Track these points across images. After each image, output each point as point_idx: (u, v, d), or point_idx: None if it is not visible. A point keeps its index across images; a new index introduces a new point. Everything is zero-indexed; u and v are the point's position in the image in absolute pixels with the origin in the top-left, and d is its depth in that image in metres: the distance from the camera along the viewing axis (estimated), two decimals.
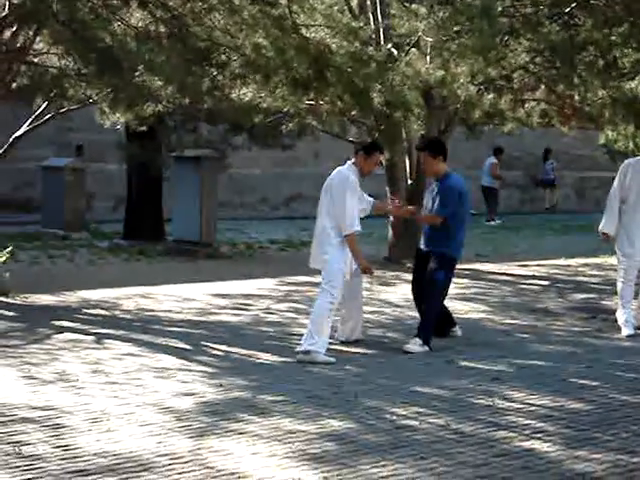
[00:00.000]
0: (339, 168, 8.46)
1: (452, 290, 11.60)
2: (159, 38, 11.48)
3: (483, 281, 13.02)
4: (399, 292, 11.48)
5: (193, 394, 6.84)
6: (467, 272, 13.56)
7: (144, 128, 14.79)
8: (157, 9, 11.51)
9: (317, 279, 9.07)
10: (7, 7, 10.66)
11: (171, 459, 5.42)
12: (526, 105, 16.19)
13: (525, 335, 9.30)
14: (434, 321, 8.62)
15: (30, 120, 13.37)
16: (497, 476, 5.26)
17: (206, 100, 13.26)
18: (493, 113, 15.17)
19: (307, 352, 7.92)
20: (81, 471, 5.21)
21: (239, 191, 23.47)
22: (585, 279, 13.42)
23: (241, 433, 5.92)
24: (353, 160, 8.47)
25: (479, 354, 8.35)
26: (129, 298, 11.00)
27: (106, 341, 8.64)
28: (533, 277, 13.47)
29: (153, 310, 10.30)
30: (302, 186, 23.08)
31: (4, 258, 11.43)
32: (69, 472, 5.19)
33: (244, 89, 12.81)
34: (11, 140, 12.98)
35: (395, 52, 12.86)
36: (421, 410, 6.51)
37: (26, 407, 6.41)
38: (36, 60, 12.37)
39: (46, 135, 19.43)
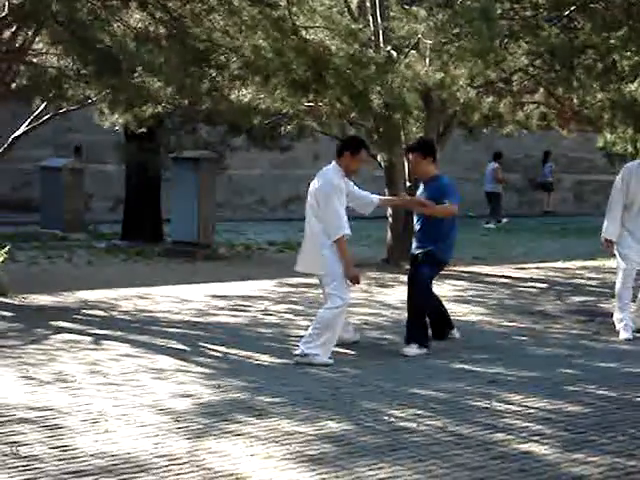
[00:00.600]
0: (323, 170, 8.25)
1: (450, 292, 11.65)
2: (158, 39, 11.48)
3: (481, 283, 13.02)
4: (397, 294, 11.47)
5: (191, 395, 6.84)
6: (465, 274, 13.57)
7: (143, 129, 14.81)
8: (156, 10, 11.52)
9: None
10: (6, 7, 10.66)
11: (168, 460, 5.42)
12: (525, 108, 16.20)
13: (523, 338, 9.30)
14: (423, 320, 8.53)
15: (29, 120, 13.38)
16: (494, 479, 5.26)
17: (205, 101, 13.28)
18: (492, 116, 15.19)
19: (305, 354, 7.91)
20: (78, 472, 5.20)
21: (238, 192, 23.49)
22: (583, 282, 13.42)
23: (239, 434, 5.92)
24: (336, 160, 8.20)
25: (477, 356, 8.35)
26: (127, 299, 11.00)
27: (104, 342, 8.64)
28: (531, 280, 13.46)
29: (151, 311, 10.30)
30: (301, 188, 23.03)
31: (2, 258, 11.42)
32: (66, 473, 5.19)
33: (243, 90, 12.82)
34: (10, 140, 12.99)
35: (394, 54, 12.87)
36: (419, 412, 6.51)
37: (24, 407, 6.41)
38: (35, 60, 12.36)
39: (45, 135, 19.46)
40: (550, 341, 9.16)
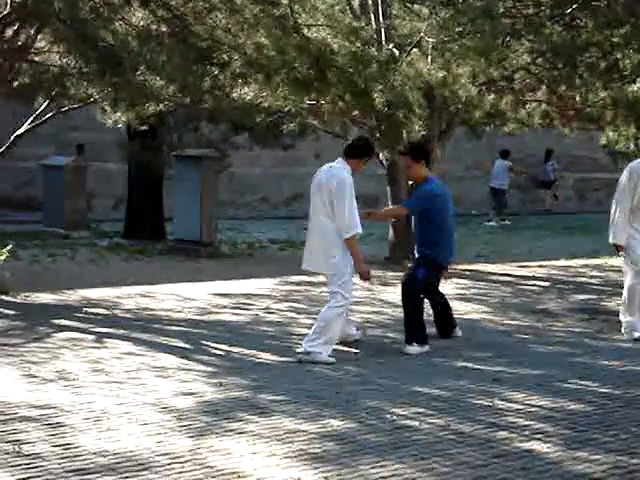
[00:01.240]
0: (332, 167, 8.24)
1: (453, 290, 11.65)
2: (160, 37, 11.49)
3: (483, 282, 13.02)
4: (399, 292, 11.44)
5: (193, 393, 6.84)
6: (467, 273, 13.56)
7: (145, 127, 14.80)
8: (159, 8, 11.52)
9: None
10: (9, 5, 10.67)
11: (171, 458, 5.42)
12: (527, 106, 16.18)
13: (525, 336, 9.30)
14: (418, 318, 8.51)
15: (31, 119, 13.39)
16: (497, 477, 5.26)
17: (207, 99, 13.28)
18: (494, 114, 15.18)
19: (308, 352, 7.92)
20: (81, 470, 5.21)
21: (240, 190, 23.48)
22: (585, 280, 13.41)
23: (241, 433, 5.92)
24: (343, 158, 8.24)
25: (479, 355, 8.35)
26: (129, 297, 11.00)
27: (106, 340, 8.65)
28: (533, 278, 13.46)
29: (153, 309, 10.30)
30: (303, 186, 22.98)
31: (4, 256, 11.43)
32: (69, 471, 5.19)
33: (245, 88, 12.81)
34: (12, 138, 12.99)
35: (397, 52, 12.86)
36: (421, 410, 6.51)
37: (26, 406, 6.41)
38: (37, 59, 12.38)
39: (47, 134, 19.46)
40: (552, 339, 9.16)
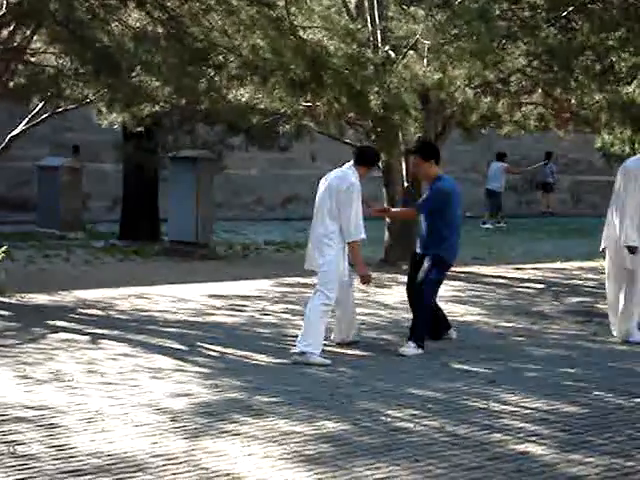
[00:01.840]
0: (342, 171, 8.37)
1: (448, 292, 11.65)
2: (156, 39, 11.48)
3: (479, 284, 13.02)
4: (395, 294, 11.48)
5: (188, 395, 6.84)
6: (463, 275, 13.56)
7: (141, 128, 14.80)
8: (155, 9, 11.51)
9: (312, 280, 9.07)
10: (5, 6, 10.66)
11: (165, 460, 5.41)
12: (523, 109, 16.20)
13: (520, 338, 9.30)
14: (427, 321, 8.61)
15: (27, 119, 13.37)
16: (491, 479, 5.26)
17: (203, 101, 13.27)
18: (490, 116, 15.18)
19: (302, 353, 7.93)
20: (75, 471, 5.20)
21: (235, 192, 23.48)
22: (581, 282, 13.42)
23: (236, 434, 5.92)
24: (353, 163, 8.40)
25: (474, 357, 8.35)
26: (124, 298, 10.99)
27: (101, 341, 8.64)
28: (529, 280, 13.47)
29: (148, 310, 10.30)
30: (298, 187, 23.08)
31: None
32: (63, 472, 5.18)
33: (241, 90, 12.82)
34: (7, 139, 12.97)
35: (392, 54, 12.86)
36: (416, 413, 6.51)
37: (20, 407, 6.40)
38: (33, 59, 12.37)
39: (43, 134, 19.44)
40: (547, 342, 9.16)
